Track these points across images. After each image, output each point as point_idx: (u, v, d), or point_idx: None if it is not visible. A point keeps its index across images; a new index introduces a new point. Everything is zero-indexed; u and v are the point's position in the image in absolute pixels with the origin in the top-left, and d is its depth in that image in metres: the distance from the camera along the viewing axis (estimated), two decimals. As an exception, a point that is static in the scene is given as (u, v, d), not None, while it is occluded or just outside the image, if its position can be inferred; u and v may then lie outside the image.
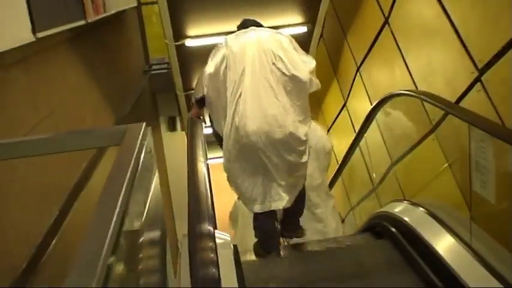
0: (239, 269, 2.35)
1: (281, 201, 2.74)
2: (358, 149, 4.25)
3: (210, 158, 6.99)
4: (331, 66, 5.65)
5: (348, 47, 4.93)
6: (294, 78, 2.68)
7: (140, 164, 1.09)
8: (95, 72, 3.73)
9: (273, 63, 2.68)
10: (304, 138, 2.69)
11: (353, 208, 5.04)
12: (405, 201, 2.85)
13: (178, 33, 4.68)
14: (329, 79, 5.72)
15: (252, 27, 2.91)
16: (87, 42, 3.68)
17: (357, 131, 4.88)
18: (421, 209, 2.62)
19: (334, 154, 5.90)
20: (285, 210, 2.90)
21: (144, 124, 1.25)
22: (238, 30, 2.97)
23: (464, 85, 2.73)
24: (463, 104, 2.74)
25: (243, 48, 2.74)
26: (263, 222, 2.89)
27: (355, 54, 4.74)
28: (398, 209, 2.79)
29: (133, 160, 1.02)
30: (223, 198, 4.07)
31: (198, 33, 4.77)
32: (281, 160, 2.65)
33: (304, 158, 2.75)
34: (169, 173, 7.26)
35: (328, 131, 6.09)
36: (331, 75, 5.66)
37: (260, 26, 3.02)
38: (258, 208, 2.78)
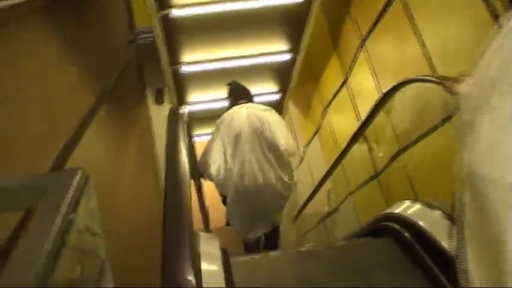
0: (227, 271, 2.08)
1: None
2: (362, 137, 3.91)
3: (200, 135, 6.67)
4: (330, 38, 5.28)
5: (351, 18, 4.55)
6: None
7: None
8: (72, 44, 3.34)
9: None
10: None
11: (352, 193, 4.77)
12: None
13: (163, 1, 4.28)
14: (327, 53, 5.36)
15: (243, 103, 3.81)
16: (63, 11, 3.29)
17: (359, 110, 4.56)
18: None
19: (334, 134, 5.61)
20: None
21: (79, 172, 0.89)
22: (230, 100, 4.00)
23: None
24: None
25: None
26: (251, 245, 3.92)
27: (360, 25, 4.37)
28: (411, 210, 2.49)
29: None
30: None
31: (188, 2, 4.38)
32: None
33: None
34: (157, 147, 7.02)
35: (326, 108, 5.77)
36: (329, 48, 5.30)
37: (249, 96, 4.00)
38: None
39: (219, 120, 3.75)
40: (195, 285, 0.98)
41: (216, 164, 3.59)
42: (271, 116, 3.73)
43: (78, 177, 0.92)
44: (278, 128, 3.67)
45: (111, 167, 4.10)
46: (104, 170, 3.75)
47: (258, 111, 3.71)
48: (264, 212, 3.67)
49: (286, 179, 3.66)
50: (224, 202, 3.78)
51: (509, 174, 1.04)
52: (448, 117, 2.85)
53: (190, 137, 3.11)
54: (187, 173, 1.42)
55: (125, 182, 4.58)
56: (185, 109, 2.43)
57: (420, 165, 3.36)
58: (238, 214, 3.67)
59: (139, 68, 7.14)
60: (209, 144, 3.71)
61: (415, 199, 2.71)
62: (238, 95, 3.97)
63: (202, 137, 7.33)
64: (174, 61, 4.99)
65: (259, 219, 3.68)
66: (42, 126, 2.49)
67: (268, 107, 3.86)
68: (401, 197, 3.18)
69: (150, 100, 7.74)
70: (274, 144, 3.58)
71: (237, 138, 3.54)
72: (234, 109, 3.78)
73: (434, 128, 3.03)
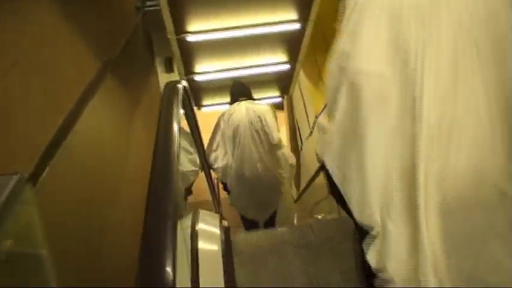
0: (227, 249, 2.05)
1: None
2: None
3: (208, 105, 6.62)
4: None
5: None
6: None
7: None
8: (74, 12, 3.25)
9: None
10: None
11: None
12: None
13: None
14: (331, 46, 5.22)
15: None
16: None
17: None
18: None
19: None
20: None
21: (18, 176, 0.83)
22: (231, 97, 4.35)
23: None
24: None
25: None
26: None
27: None
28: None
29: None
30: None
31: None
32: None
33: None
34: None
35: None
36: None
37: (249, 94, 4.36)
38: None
39: (220, 115, 4.20)
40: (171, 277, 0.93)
41: (217, 154, 4.08)
42: (268, 111, 4.15)
43: (14, 182, 0.86)
44: (272, 124, 4.09)
45: (119, 138, 4.06)
46: (111, 141, 3.71)
47: (255, 107, 4.16)
48: (263, 198, 4.18)
49: (279, 169, 4.18)
50: (225, 189, 4.29)
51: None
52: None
53: (191, 109, 3.06)
54: (176, 159, 1.36)
55: (134, 153, 4.55)
56: (182, 84, 2.35)
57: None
58: (240, 197, 4.14)
59: (148, 36, 7.02)
60: (211, 137, 4.19)
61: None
62: (239, 93, 4.37)
63: (210, 107, 7.27)
64: (180, 30, 4.88)
65: (259, 205, 4.21)
66: (42, 99, 2.44)
67: (266, 104, 4.36)
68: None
69: (159, 69, 7.65)
70: (268, 137, 4.07)
71: (237, 131, 3.98)
72: (234, 105, 4.23)
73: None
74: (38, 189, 1.97)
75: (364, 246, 1.42)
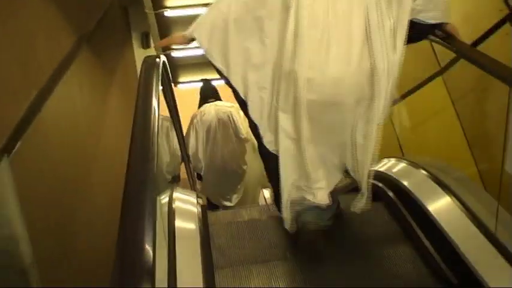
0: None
1: None
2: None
3: (184, 82, 6.52)
4: None
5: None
6: None
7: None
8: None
9: None
10: None
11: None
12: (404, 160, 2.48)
13: None
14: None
15: None
16: None
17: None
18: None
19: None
20: None
21: None
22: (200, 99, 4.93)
23: (488, 25, 2.29)
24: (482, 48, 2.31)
25: None
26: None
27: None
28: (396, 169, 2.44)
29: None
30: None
31: None
32: None
33: None
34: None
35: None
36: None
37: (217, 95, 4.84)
38: None
39: (192, 116, 4.69)
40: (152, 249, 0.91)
41: (191, 149, 4.58)
42: (235, 110, 4.55)
43: None
44: (239, 121, 4.57)
45: (92, 114, 3.98)
46: (84, 117, 3.63)
47: (224, 108, 4.64)
48: (227, 186, 4.81)
49: (241, 162, 4.77)
50: (199, 177, 4.84)
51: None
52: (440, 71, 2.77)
53: (170, 86, 3.01)
54: (155, 135, 1.33)
55: (108, 130, 4.48)
56: (161, 59, 2.29)
57: (408, 121, 3.30)
58: (209, 185, 4.75)
59: (124, 10, 6.86)
60: (186, 135, 4.58)
61: (401, 157, 2.66)
62: (207, 95, 4.79)
63: (187, 84, 7.18)
64: (158, 5, 4.78)
65: (225, 192, 4.84)
66: (13, 73, 2.36)
67: (233, 104, 4.54)
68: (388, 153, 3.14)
69: (135, 44, 7.50)
70: (237, 133, 4.58)
71: (209, 130, 4.54)
72: (204, 106, 4.71)
73: (423, 83, 2.95)
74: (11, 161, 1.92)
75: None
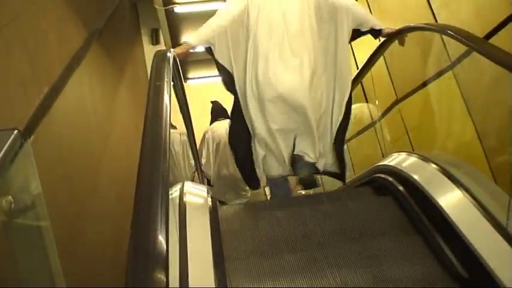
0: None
1: None
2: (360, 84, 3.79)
3: (192, 78, 6.52)
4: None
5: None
6: None
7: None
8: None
9: None
10: None
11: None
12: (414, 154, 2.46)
13: None
14: None
15: None
16: None
17: (357, 60, 4.43)
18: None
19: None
20: None
21: (15, 132, 0.88)
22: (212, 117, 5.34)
23: (499, 17, 2.27)
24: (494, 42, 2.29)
25: None
26: None
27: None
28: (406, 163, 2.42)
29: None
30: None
31: None
32: None
33: None
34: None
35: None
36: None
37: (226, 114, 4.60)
38: None
39: (204, 132, 5.31)
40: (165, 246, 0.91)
41: (203, 159, 5.19)
42: None
43: (12, 137, 0.89)
44: None
45: (102, 110, 4.01)
46: (94, 113, 3.66)
47: None
48: (232, 192, 5.33)
49: None
50: (208, 183, 5.25)
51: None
52: (449, 67, 2.75)
53: (180, 80, 3.00)
54: (167, 129, 1.33)
55: (118, 125, 4.50)
56: (172, 53, 2.29)
57: (418, 116, 3.28)
58: (219, 190, 5.16)
59: (134, 6, 6.89)
60: (199, 148, 5.17)
61: (411, 151, 2.65)
62: (218, 114, 5.33)
63: (196, 80, 7.18)
64: (168, 1, 4.79)
65: (230, 198, 5.29)
66: (25, 69, 2.38)
67: None
68: (398, 148, 3.12)
69: (145, 40, 7.52)
70: None
71: (219, 145, 5.11)
72: (215, 124, 5.30)
73: (433, 78, 2.93)
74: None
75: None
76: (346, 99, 2.78)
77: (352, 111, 2.88)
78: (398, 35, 2.78)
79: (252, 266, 1.91)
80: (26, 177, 1.01)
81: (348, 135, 3.01)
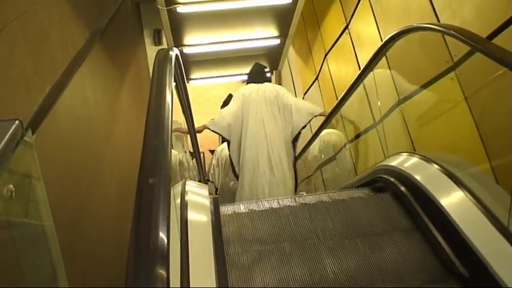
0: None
1: None
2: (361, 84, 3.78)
3: (194, 79, 6.53)
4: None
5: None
6: None
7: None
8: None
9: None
10: None
11: (350, 141, 4.71)
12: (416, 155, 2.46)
13: None
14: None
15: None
16: None
17: (359, 58, 4.42)
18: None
19: (332, 82, 5.47)
20: None
21: (16, 122, 0.90)
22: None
23: (503, 17, 2.27)
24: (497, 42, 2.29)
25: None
26: None
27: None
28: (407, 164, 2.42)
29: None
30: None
31: None
32: None
33: None
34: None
35: (327, 54, 5.62)
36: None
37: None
38: None
39: (216, 150, 6.21)
40: (166, 246, 0.92)
41: (215, 173, 5.97)
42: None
43: (13, 128, 0.91)
44: None
45: (104, 110, 4.01)
46: (96, 113, 3.66)
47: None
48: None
49: None
50: (216, 191, 5.98)
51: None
52: (452, 67, 2.75)
53: (183, 80, 3.00)
54: (170, 127, 1.33)
55: (120, 124, 4.51)
56: (174, 52, 2.29)
57: (420, 117, 3.28)
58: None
59: (136, 7, 6.90)
60: (210, 163, 6.20)
61: (413, 151, 2.64)
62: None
63: (199, 80, 7.18)
64: (171, 1, 4.79)
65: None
66: (27, 67, 2.39)
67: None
68: (400, 148, 3.12)
69: (147, 40, 7.53)
70: None
71: (225, 162, 5.77)
72: (222, 145, 6.01)
73: (436, 78, 2.93)
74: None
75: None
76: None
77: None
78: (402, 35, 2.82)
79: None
80: (27, 167, 1.03)
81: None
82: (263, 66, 4.70)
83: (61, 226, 2.25)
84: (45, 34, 2.78)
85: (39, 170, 1.10)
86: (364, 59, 3.88)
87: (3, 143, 0.89)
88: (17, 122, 1.00)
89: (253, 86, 4.40)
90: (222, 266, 1.80)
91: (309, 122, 4.34)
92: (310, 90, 6.72)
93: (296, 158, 4.57)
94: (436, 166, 2.24)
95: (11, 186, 0.91)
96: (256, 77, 4.53)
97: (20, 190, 0.98)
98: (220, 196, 5.84)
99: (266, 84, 4.46)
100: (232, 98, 4.52)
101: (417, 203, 2.22)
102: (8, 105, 2.08)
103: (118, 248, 3.24)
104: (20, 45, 2.33)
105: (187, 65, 6.73)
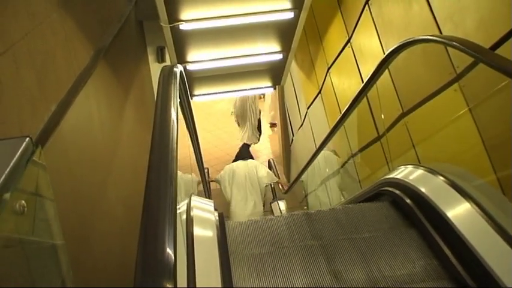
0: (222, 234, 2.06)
1: None
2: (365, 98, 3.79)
3: (197, 95, 6.57)
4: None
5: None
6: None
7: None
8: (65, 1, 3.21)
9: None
10: None
11: (354, 155, 4.71)
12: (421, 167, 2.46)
13: None
14: (332, 11, 5.19)
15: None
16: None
17: (362, 71, 4.44)
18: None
19: (335, 95, 5.49)
20: None
21: (27, 140, 0.90)
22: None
23: (504, 29, 2.28)
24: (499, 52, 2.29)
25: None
26: None
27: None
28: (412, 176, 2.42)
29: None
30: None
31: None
32: None
33: None
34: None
35: (329, 69, 5.64)
36: (334, 6, 5.12)
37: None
38: None
39: (229, 166, 6.95)
40: (173, 259, 0.92)
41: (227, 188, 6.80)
42: (260, 167, 6.95)
43: (24, 145, 0.92)
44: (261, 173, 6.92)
45: (109, 128, 4.03)
46: (101, 131, 3.68)
47: (250, 163, 6.93)
48: None
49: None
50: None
51: None
52: (455, 79, 2.75)
53: (186, 96, 3.02)
54: (175, 144, 1.34)
55: (124, 142, 4.52)
56: (179, 68, 2.31)
57: (424, 129, 3.28)
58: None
59: (140, 25, 6.96)
60: (222, 176, 6.82)
61: (418, 163, 2.64)
62: (243, 156, 7.62)
63: (202, 96, 7.21)
64: (174, 18, 4.83)
65: None
66: (33, 86, 2.41)
67: (257, 164, 7.09)
68: (404, 160, 3.11)
69: (150, 58, 7.60)
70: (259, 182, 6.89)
71: (237, 179, 6.62)
72: (239, 162, 6.95)
73: (439, 91, 2.94)
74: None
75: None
76: None
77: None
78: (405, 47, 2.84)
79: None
80: (38, 183, 1.03)
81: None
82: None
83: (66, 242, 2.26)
84: (51, 53, 2.81)
85: (51, 188, 1.11)
86: (367, 72, 3.89)
87: (15, 159, 0.90)
88: (27, 139, 1.00)
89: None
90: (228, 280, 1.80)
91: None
92: (313, 104, 6.74)
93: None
94: (441, 178, 2.24)
95: (23, 201, 0.92)
96: None
97: (31, 206, 0.99)
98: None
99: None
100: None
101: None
102: (15, 124, 2.10)
103: (122, 266, 3.24)
104: (25, 64, 2.36)
105: (190, 82, 6.77)
